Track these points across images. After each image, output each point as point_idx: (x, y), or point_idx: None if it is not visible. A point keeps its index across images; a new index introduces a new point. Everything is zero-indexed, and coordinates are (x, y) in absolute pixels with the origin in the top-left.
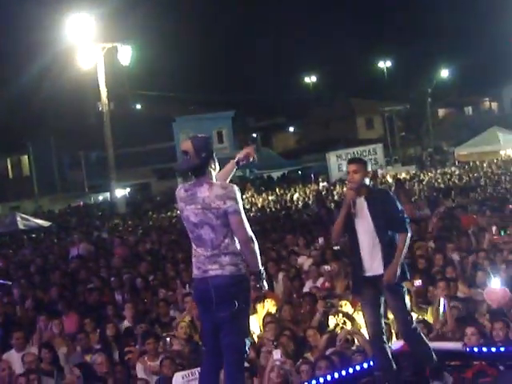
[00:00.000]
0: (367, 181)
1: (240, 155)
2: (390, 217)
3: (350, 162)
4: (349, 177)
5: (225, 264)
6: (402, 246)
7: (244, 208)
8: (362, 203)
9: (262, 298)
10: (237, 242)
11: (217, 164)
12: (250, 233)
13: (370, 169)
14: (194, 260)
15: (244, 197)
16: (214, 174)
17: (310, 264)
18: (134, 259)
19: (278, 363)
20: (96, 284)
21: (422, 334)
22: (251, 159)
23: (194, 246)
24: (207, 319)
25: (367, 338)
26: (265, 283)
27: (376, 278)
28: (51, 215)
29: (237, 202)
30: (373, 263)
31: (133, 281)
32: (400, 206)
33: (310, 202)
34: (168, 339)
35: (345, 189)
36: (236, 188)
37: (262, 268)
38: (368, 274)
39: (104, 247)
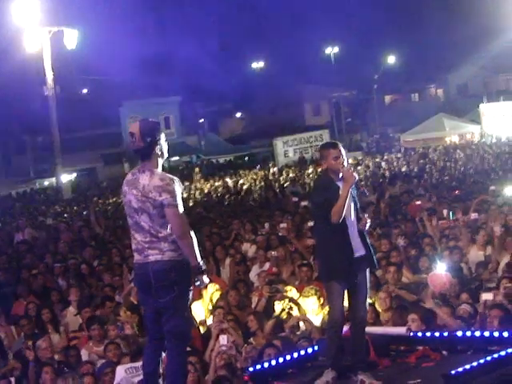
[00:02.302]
0: None
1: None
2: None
3: (336, 146)
4: (340, 160)
5: (165, 250)
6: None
7: (189, 194)
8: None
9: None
10: None
11: (165, 151)
12: (186, 227)
13: None
14: (133, 246)
15: (191, 182)
16: (160, 161)
17: (253, 251)
18: (79, 245)
19: (224, 348)
20: (40, 269)
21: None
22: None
23: (132, 231)
24: (148, 304)
25: (314, 323)
26: (205, 278)
27: (361, 258)
28: None
29: (173, 196)
30: (356, 244)
31: (78, 266)
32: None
33: (257, 188)
34: (120, 324)
35: (291, 174)
36: (175, 180)
37: (200, 262)
38: (356, 254)
39: (48, 233)
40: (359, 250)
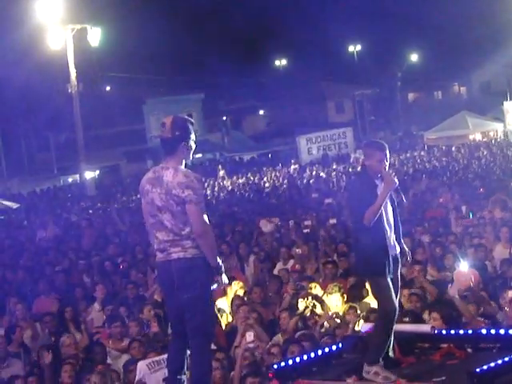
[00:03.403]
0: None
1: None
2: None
3: (383, 149)
4: (383, 164)
5: (187, 247)
6: None
7: (213, 191)
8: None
9: (231, 281)
10: None
11: (191, 151)
12: (207, 226)
13: None
14: (155, 245)
15: (215, 179)
16: (184, 160)
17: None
18: (102, 242)
19: (250, 345)
20: (64, 266)
21: None
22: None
23: (154, 231)
24: (171, 302)
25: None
26: (224, 278)
27: (397, 256)
28: (20, 197)
29: (196, 193)
30: (393, 242)
31: (101, 263)
32: None
33: (280, 185)
34: (146, 321)
35: (314, 172)
36: (199, 178)
37: (220, 262)
38: (395, 252)
39: (72, 229)
40: (396, 248)
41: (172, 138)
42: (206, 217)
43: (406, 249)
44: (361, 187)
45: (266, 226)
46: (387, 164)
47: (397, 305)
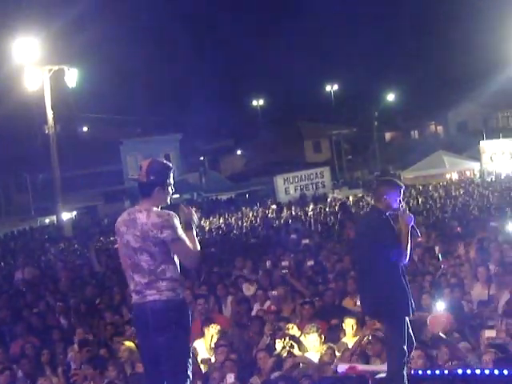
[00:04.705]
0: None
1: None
2: None
3: (401, 188)
4: (400, 203)
5: (162, 289)
6: None
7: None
8: None
9: (209, 322)
10: (174, 268)
11: (168, 196)
12: (195, 249)
13: None
14: (131, 286)
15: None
16: (160, 203)
17: (253, 290)
18: (79, 283)
19: None
20: (41, 308)
21: None
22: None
23: (130, 273)
24: (146, 344)
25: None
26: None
27: None
28: None
29: (174, 230)
30: None
31: (79, 305)
32: None
33: (257, 225)
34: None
35: (293, 212)
36: (172, 215)
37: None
38: None
39: (50, 271)
40: None
41: (147, 182)
42: (189, 244)
43: None
44: (388, 228)
45: (248, 290)
46: (402, 202)
47: None
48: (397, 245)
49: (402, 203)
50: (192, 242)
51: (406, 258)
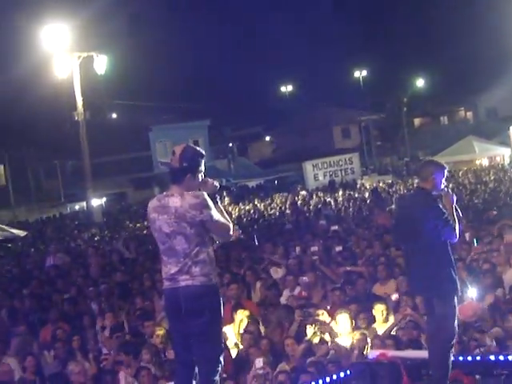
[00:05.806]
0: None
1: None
2: None
3: (446, 169)
4: (444, 183)
5: (195, 274)
6: None
7: None
8: None
9: (238, 307)
10: (208, 251)
11: (197, 184)
12: (228, 222)
13: None
14: (164, 271)
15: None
16: (188, 189)
17: (282, 274)
18: (109, 269)
19: (260, 372)
20: (72, 294)
21: None
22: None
23: (164, 258)
24: (178, 330)
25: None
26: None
27: None
28: (27, 225)
29: (211, 209)
30: None
31: (109, 291)
32: None
33: (287, 212)
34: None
35: (323, 197)
36: (205, 194)
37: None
38: None
39: (80, 257)
40: None
41: (179, 168)
42: (223, 220)
43: None
44: (433, 206)
45: (276, 273)
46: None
47: None
48: (448, 223)
49: (445, 183)
50: (223, 216)
51: (456, 236)
